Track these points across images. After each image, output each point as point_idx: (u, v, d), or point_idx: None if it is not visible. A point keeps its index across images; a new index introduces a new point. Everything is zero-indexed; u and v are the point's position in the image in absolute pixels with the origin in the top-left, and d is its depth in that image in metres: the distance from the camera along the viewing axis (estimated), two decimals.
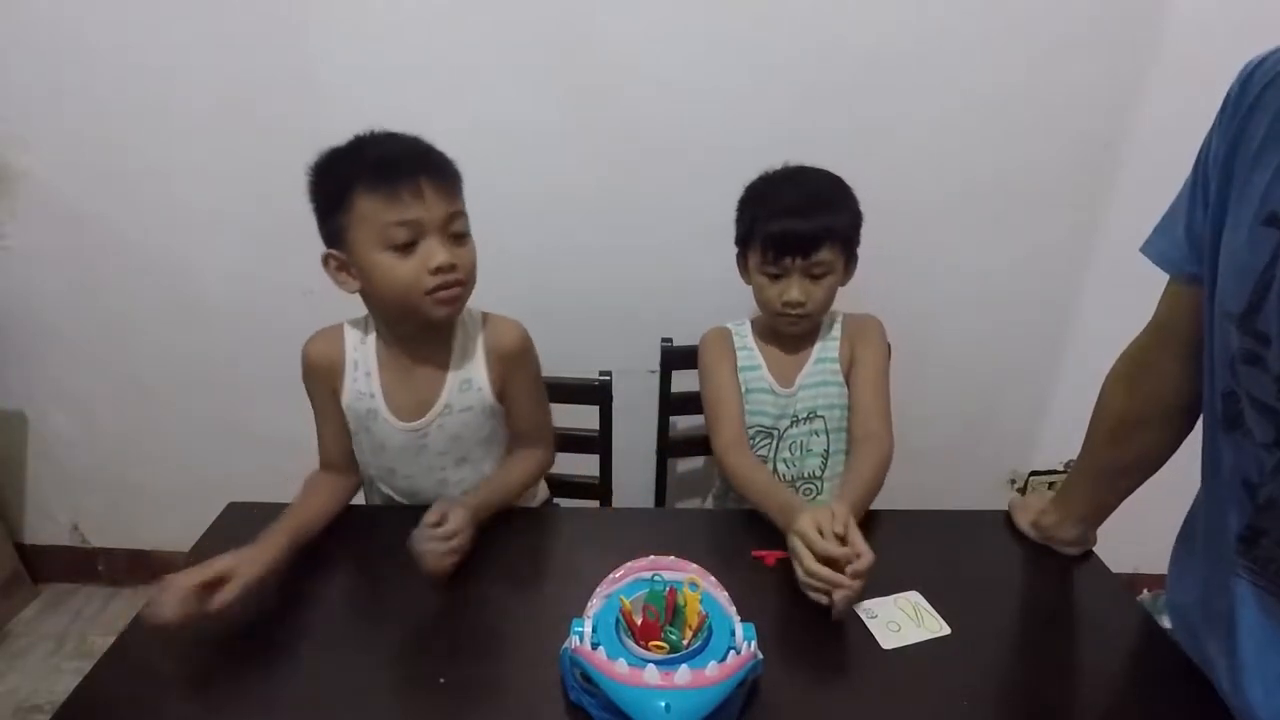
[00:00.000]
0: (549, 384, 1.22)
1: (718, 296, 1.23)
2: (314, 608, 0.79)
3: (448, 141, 1.36)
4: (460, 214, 0.90)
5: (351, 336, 0.98)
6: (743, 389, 1.15)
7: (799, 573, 0.83)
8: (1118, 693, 0.76)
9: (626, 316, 1.50)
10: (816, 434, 1.16)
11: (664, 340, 1.31)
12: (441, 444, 1.00)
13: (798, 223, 1.03)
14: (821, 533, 0.82)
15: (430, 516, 0.83)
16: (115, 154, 1.41)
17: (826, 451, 1.17)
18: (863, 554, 0.80)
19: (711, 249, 1.27)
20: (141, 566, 1.82)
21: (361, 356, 0.97)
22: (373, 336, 0.97)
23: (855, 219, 1.08)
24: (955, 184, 1.41)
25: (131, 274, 1.51)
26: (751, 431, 1.16)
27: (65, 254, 1.50)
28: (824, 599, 0.81)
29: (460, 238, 0.90)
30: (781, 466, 1.17)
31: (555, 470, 1.27)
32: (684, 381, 1.30)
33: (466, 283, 0.90)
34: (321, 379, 0.98)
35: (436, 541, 0.81)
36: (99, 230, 1.47)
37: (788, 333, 1.13)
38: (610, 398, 1.25)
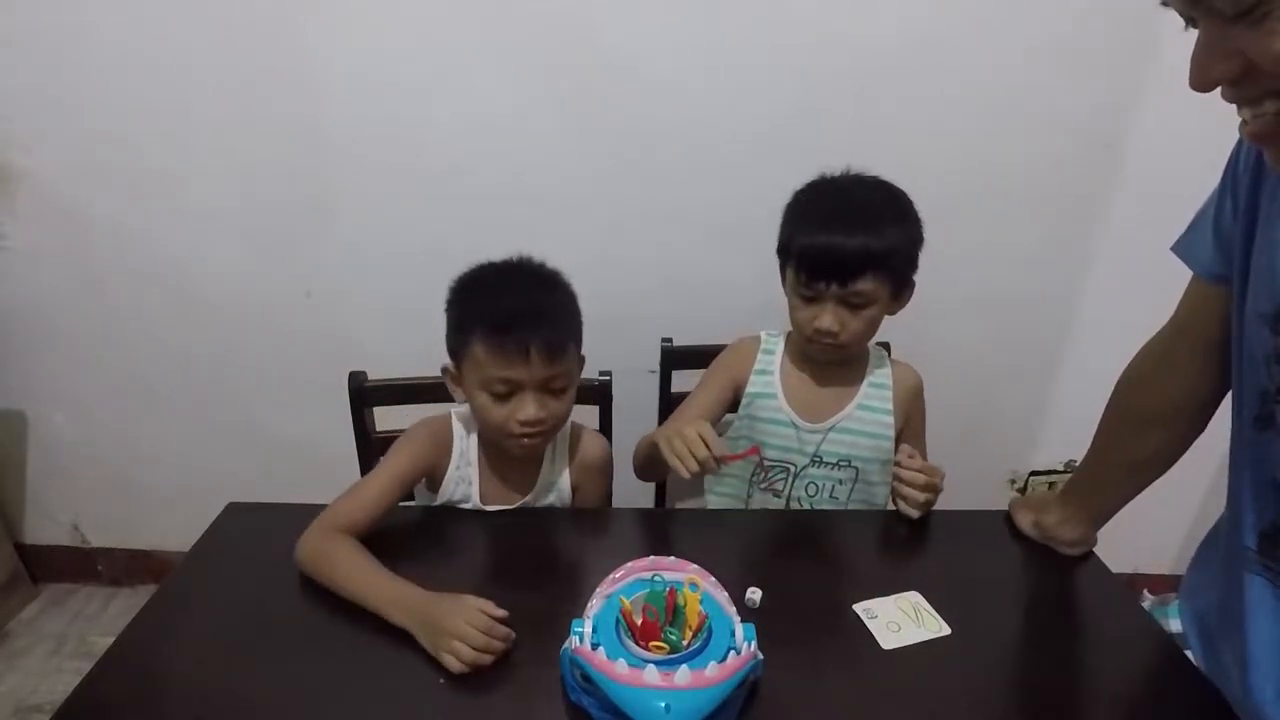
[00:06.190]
0: None
1: (719, 296, 1.22)
2: (313, 608, 0.79)
3: (448, 140, 1.38)
4: (564, 373, 0.92)
5: (458, 428, 1.03)
6: (747, 415, 1.09)
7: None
8: (1117, 692, 0.76)
9: (627, 316, 1.49)
10: (842, 483, 1.08)
11: (664, 340, 1.31)
12: None
13: (836, 239, 0.93)
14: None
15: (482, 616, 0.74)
16: (115, 154, 1.41)
17: (848, 501, 1.10)
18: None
19: (713, 248, 1.27)
20: (141, 566, 1.82)
21: (466, 448, 1.02)
22: (475, 435, 1.02)
23: (910, 242, 0.97)
24: (955, 184, 1.41)
25: (132, 274, 1.51)
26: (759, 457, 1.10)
27: (66, 254, 1.50)
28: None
29: (560, 392, 0.93)
30: (795, 505, 1.10)
31: None
32: (684, 381, 1.30)
33: (553, 430, 0.96)
34: (427, 458, 1.00)
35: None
36: (99, 230, 1.47)
37: (819, 360, 1.05)
38: (610, 398, 1.25)
